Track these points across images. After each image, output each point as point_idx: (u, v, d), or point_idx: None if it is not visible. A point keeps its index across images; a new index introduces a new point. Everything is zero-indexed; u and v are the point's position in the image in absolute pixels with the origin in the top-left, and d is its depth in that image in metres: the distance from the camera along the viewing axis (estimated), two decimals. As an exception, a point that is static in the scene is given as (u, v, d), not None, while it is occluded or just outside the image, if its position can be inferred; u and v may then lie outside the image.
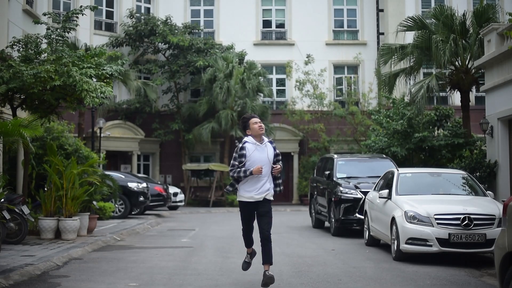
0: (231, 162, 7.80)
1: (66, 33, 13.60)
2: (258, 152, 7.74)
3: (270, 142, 7.91)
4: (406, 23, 19.78)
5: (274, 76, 33.00)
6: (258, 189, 7.80)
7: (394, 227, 10.87)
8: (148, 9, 32.42)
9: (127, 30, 30.17)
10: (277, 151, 7.95)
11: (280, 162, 7.95)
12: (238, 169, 7.72)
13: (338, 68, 32.94)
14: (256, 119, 7.89)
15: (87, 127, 27.14)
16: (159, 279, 8.70)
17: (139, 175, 25.68)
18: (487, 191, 11.96)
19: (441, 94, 21.70)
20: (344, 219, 14.75)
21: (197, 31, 31.55)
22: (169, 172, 32.07)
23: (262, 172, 7.67)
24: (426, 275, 9.13)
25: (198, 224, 19.14)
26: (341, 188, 14.97)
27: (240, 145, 7.78)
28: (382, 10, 32.43)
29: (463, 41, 18.63)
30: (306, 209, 22.47)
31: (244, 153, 7.72)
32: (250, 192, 7.83)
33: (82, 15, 13.97)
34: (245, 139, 7.83)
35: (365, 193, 14.16)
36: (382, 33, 32.08)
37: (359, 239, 13.86)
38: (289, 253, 11.52)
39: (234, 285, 8.23)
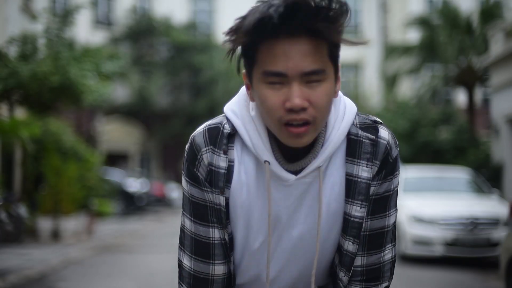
0: (182, 225, 1.51)
1: (64, 31, 13.44)
2: (284, 200, 1.42)
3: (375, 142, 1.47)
4: (411, 21, 19.63)
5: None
6: None
7: (397, 230, 10.71)
8: (147, 6, 32.30)
9: (127, 24, 30.09)
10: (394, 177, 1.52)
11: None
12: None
13: (341, 67, 32.67)
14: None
15: (86, 126, 27.05)
16: (159, 282, 8.57)
17: (138, 172, 25.68)
18: (493, 188, 11.81)
19: (446, 96, 21.52)
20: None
21: (196, 29, 31.47)
22: (170, 171, 31.97)
23: None
24: (430, 279, 8.97)
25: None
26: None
27: (194, 156, 1.43)
28: (386, 9, 32.25)
29: (469, 39, 18.47)
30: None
31: (222, 186, 1.41)
32: None
33: (79, 13, 13.82)
34: (228, 123, 1.45)
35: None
36: (386, 32, 31.90)
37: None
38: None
39: None
